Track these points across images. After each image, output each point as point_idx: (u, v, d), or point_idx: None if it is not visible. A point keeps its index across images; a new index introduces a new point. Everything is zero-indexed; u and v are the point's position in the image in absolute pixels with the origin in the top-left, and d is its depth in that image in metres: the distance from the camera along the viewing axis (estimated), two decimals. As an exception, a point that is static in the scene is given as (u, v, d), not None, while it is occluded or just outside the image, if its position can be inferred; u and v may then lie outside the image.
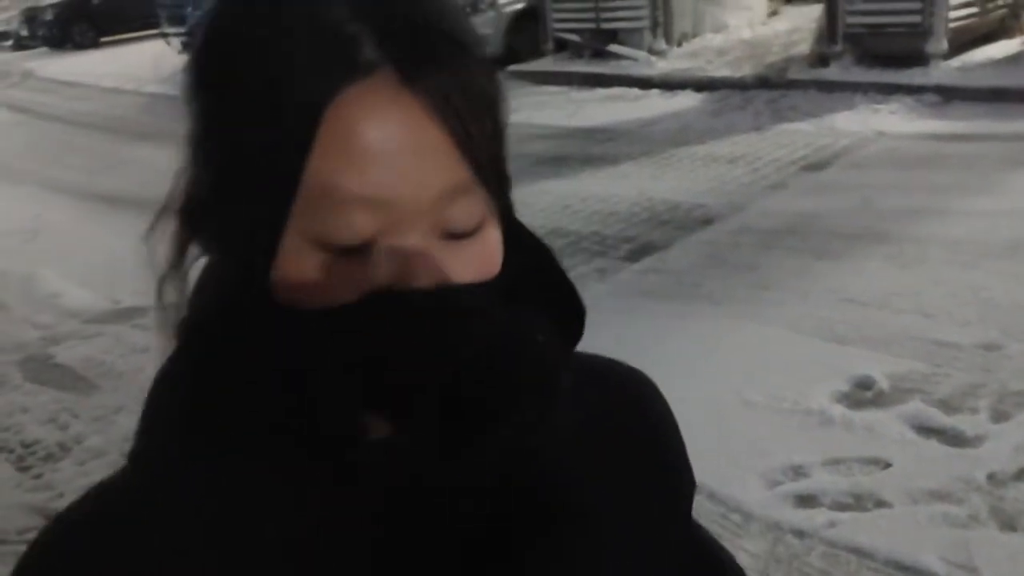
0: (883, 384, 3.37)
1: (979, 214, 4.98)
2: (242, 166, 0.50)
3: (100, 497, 0.57)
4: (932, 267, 4.38)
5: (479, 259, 0.52)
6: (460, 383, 0.51)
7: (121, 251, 6.29)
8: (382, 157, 0.48)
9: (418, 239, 0.50)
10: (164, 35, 15.58)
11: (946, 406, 3.20)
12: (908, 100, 7.32)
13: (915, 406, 3.21)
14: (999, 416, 3.11)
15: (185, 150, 0.54)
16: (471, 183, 0.50)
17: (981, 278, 4.18)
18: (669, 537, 0.66)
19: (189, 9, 15.09)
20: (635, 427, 0.67)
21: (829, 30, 8.41)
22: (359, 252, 0.49)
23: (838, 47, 8.28)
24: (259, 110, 0.48)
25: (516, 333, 0.54)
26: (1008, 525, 2.59)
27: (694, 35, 10.50)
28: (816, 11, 8.99)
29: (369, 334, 0.49)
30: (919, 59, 7.76)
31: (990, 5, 8.24)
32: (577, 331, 0.60)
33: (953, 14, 7.83)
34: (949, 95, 7.28)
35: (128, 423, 3.74)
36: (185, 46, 15.30)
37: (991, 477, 2.80)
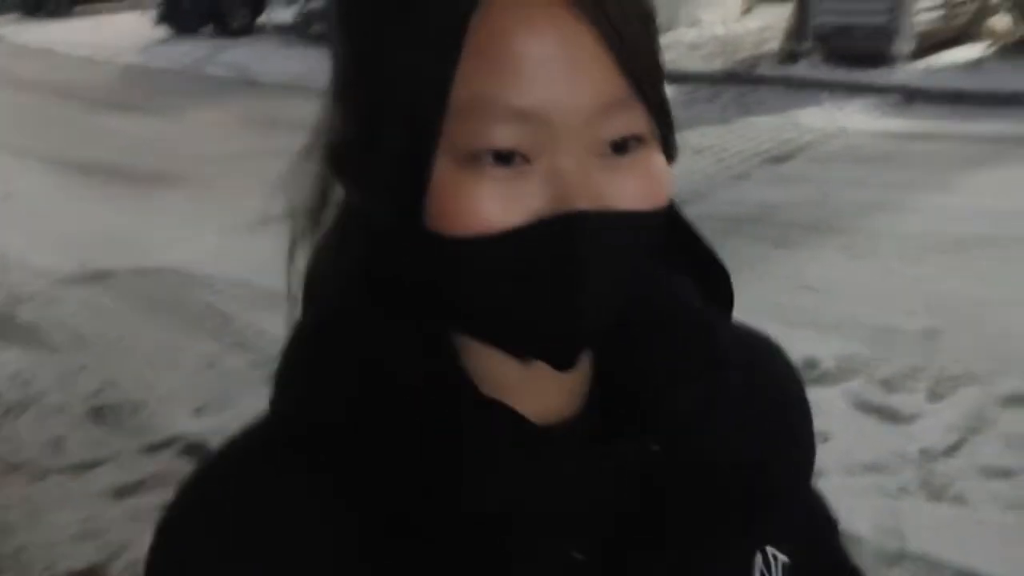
0: (828, 364, 3.52)
1: (931, 210, 5.15)
2: (389, 91, 0.48)
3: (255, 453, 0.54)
4: (883, 259, 4.54)
5: (644, 184, 0.49)
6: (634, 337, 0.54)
7: (92, 218, 6.30)
8: (535, 65, 0.45)
9: (576, 157, 0.47)
10: (139, 5, 15.40)
11: (886, 386, 3.35)
12: (872, 99, 7.50)
13: (857, 385, 3.36)
14: (934, 397, 3.26)
15: (328, 94, 0.53)
16: (630, 97, 0.47)
17: (929, 270, 4.34)
18: (803, 503, 0.67)
19: (165, -19, 15.00)
20: (781, 398, 0.66)
21: (799, 28, 8.57)
22: (514, 173, 0.47)
23: (807, 45, 8.45)
24: (402, 31, 0.47)
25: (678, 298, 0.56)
26: (935, 496, 2.74)
27: (668, 29, 10.63)
28: (788, 10, 9.15)
29: (554, 257, 0.47)
30: (885, 60, 7.95)
31: (955, 10, 8.44)
32: (727, 295, 0.59)
33: (919, 17, 8.02)
34: (912, 96, 7.47)
35: (89, 383, 3.79)
36: (161, 17, 15.20)
37: (923, 452, 2.95)
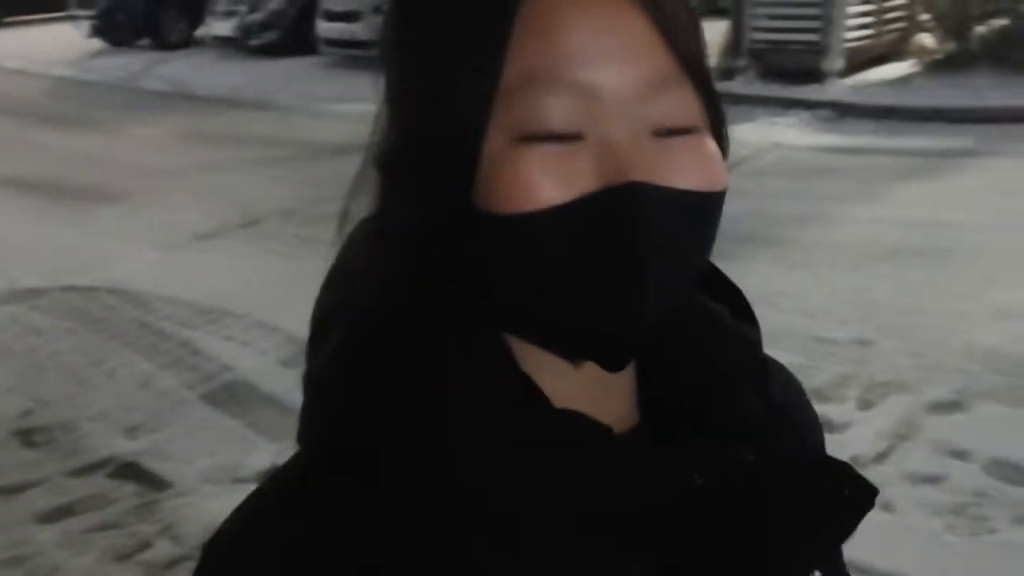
0: (764, 375, 3.58)
1: (863, 221, 5.29)
2: (441, 75, 0.49)
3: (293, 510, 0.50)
4: (817, 269, 4.64)
5: (698, 164, 0.49)
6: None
7: (22, 234, 6.13)
8: (583, 40, 0.47)
9: (627, 132, 0.47)
10: (72, 18, 15.10)
11: (819, 395, 3.41)
12: (805, 114, 7.69)
13: (792, 395, 3.42)
14: (865, 405, 3.35)
15: (383, 102, 0.53)
16: (679, 76, 0.48)
17: (862, 280, 4.46)
18: None
19: (99, -7, 14.73)
20: (806, 411, 0.66)
21: (734, 45, 8.75)
22: (566, 149, 0.47)
23: (742, 61, 8.63)
24: (454, 16, 0.49)
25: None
26: (867, 502, 2.80)
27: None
28: (723, 27, 9.33)
29: (610, 232, 0.46)
30: (817, 76, 8.15)
31: (884, 28, 8.70)
32: (749, 314, 0.61)
33: (849, 35, 8.25)
34: (843, 111, 7.67)
35: (18, 404, 3.69)
36: (95, 30, 14.91)
37: (853, 460, 3.01)
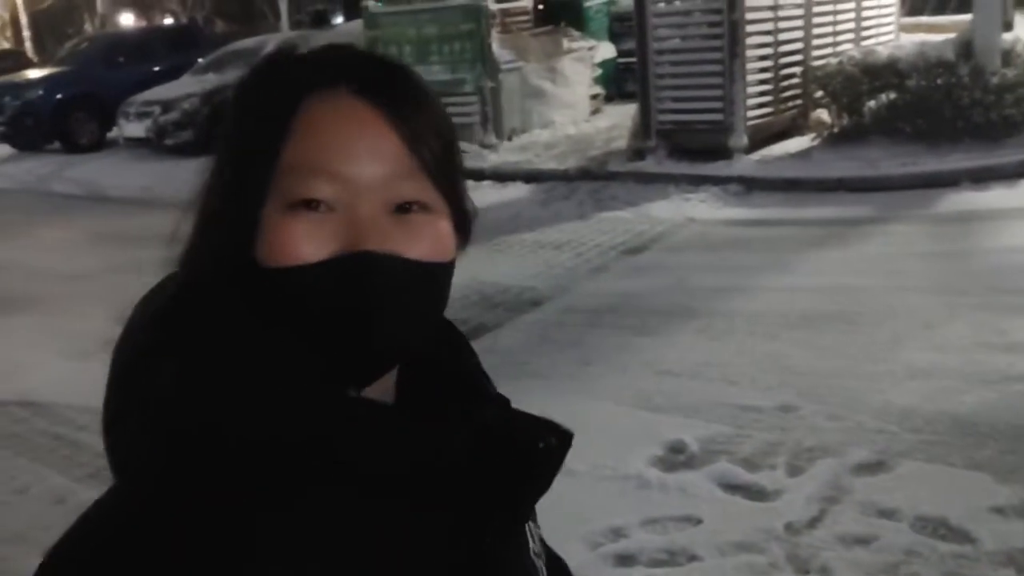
0: (694, 447, 3.61)
1: (778, 290, 5.45)
2: (239, 156, 0.65)
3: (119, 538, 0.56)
4: (737, 338, 4.74)
5: (431, 238, 0.64)
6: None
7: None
8: (341, 142, 0.63)
9: (370, 210, 0.63)
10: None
11: (749, 464, 3.46)
12: (715, 189, 7.95)
13: (722, 466, 3.45)
14: (794, 471, 3.39)
15: (204, 180, 0.69)
16: (416, 172, 0.64)
17: (780, 347, 4.57)
18: None
19: (7, 98, 14.48)
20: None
21: (643, 127, 9.06)
22: (322, 217, 0.62)
23: (652, 142, 8.93)
24: (251, 115, 0.66)
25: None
26: (802, 569, 2.81)
27: (523, 130, 11.03)
28: (633, 110, 9.66)
29: (347, 288, 0.61)
30: (723, 153, 8.47)
31: (783, 106, 9.13)
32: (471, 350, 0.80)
33: (751, 113, 8.63)
34: (750, 185, 7.97)
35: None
36: (3, 136, 14.62)
37: (788, 527, 3.04)
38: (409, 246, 0.63)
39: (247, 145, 0.65)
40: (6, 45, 26.18)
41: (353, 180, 0.62)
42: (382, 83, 0.65)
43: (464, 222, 0.69)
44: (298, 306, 0.62)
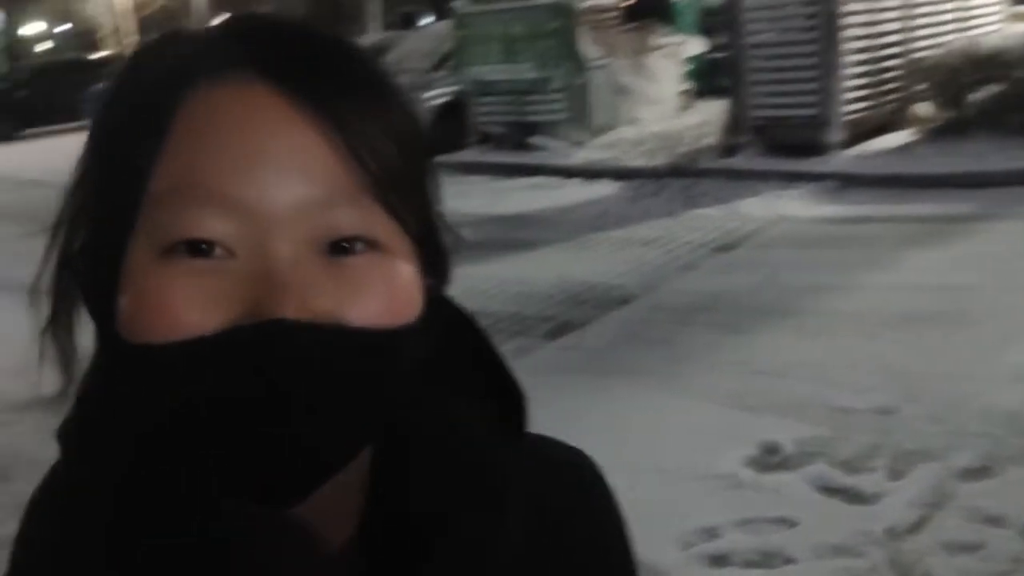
0: (789, 448, 3.54)
1: (875, 288, 5.29)
2: (98, 185, 0.45)
3: None
4: (833, 338, 4.63)
5: (383, 290, 0.43)
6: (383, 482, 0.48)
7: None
8: (238, 151, 0.41)
9: (288, 252, 0.41)
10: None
11: (847, 467, 3.37)
12: (809, 186, 7.77)
13: (819, 468, 3.37)
14: (895, 474, 3.29)
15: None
16: (359, 193, 0.43)
17: (878, 347, 4.44)
18: None
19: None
20: (580, 521, 0.57)
21: (735, 122, 8.91)
22: (213, 266, 0.41)
23: (744, 138, 8.78)
24: (116, 116, 0.46)
25: (449, 431, 0.49)
26: (904, 575, 2.74)
27: (610, 127, 10.97)
28: (723, 106, 9.52)
29: (246, 376, 0.40)
30: (818, 149, 8.27)
31: (882, 100, 8.85)
32: (519, 420, 0.52)
33: (848, 107, 8.39)
34: (847, 181, 7.75)
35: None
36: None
37: (888, 531, 2.95)
38: (350, 304, 0.42)
39: (107, 162, 0.45)
40: (113, 51, 27.36)
41: (259, 209, 0.41)
42: (303, 63, 0.43)
43: (437, 261, 0.49)
44: (172, 405, 0.41)
